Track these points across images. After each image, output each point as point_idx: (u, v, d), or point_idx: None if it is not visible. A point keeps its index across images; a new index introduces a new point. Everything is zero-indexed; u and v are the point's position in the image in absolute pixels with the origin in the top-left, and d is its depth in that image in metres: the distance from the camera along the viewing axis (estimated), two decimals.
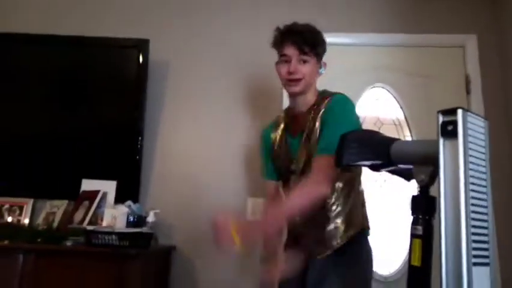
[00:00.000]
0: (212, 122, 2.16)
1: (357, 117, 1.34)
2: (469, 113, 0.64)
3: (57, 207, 2.00)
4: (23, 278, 1.56)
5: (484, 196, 0.64)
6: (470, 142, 0.64)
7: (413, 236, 0.70)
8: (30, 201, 2.03)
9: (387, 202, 1.99)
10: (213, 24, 2.27)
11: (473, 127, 0.65)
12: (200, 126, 2.16)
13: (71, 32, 2.17)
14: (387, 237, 1.90)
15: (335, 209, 1.30)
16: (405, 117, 2.12)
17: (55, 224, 1.91)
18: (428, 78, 2.12)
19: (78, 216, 1.85)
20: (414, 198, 0.73)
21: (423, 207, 0.71)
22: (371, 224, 1.38)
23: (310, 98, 1.38)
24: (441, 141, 0.65)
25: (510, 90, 2.01)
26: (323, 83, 1.43)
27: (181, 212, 2.03)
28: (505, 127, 2.02)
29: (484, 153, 0.66)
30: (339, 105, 1.31)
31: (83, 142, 2.07)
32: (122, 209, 1.77)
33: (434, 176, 0.71)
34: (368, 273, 1.34)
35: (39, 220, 1.97)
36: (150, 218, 1.83)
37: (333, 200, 1.31)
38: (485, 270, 0.61)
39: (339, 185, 1.32)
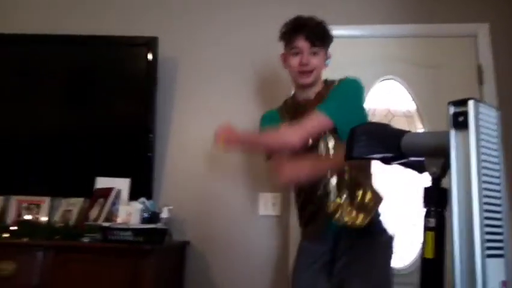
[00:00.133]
0: (222, 117, 2.15)
1: (362, 97, 1.41)
2: (480, 104, 0.64)
3: (74, 205, 2.04)
4: (43, 273, 1.60)
5: (497, 187, 0.64)
6: (482, 133, 0.63)
7: (426, 228, 0.70)
8: (48, 200, 2.08)
9: (399, 194, 1.98)
10: (220, 20, 2.28)
11: (484, 118, 0.64)
12: (210, 122, 2.15)
13: (80, 32, 2.20)
14: (400, 230, 1.89)
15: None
16: (417, 109, 2.09)
17: (72, 222, 1.95)
18: (440, 69, 2.09)
19: (93, 213, 1.89)
20: (426, 190, 0.73)
21: (436, 200, 0.71)
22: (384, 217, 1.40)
23: (317, 89, 1.44)
24: (452, 132, 0.65)
25: None
26: (332, 77, 1.46)
27: (194, 208, 2.05)
28: None
29: (496, 144, 0.65)
30: (347, 81, 1.39)
31: (96, 141, 2.10)
32: (137, 206, 1.80)
33: (445, 168, 0.71)
34: (390, 249, 1.36)
35: (57, 218, 2.01)
36: (164, 214, 1.86)
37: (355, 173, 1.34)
38: (500, 262, 0.60)
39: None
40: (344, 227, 1.29)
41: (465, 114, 0.64)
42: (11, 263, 1.60)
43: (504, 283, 0.59)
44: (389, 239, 1.36)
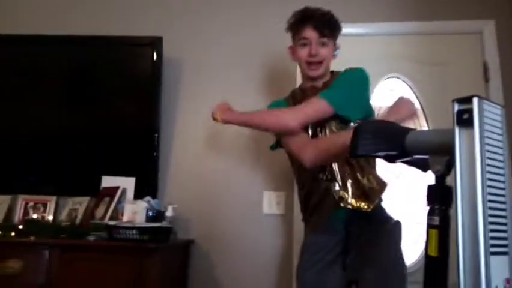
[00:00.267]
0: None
1: (367, 86, 1.39)
2: (484, 101, 0.64)
3: (79, 204, 2.06)
4: (49, 271, 1.62)
5: (501, 185, 0.63)
6: (487, 130, 0.63)
7: (430, 226, 0.70)
8: (54, 199, 2.10)
9: (403, 193, 1.97)
10: (225, 20, 2.28)
11: (489, 115, 0.64)
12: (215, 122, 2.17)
13: (85, 32, 2.21)
14: (404, 229, 1.89)
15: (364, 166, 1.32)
16: (422, 107, 2.08)
17: (78, 220, 1.97)
18: (444, 67, 2.08)
19: (99, 212, 1.90)
20: (430, 188, 0.73)
21: (440, 198, 0.71)
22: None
23: (325, 79, 1.43)
24: (456, 130, 0.65)
25: None
26: None
27: (198, 207, 2.06)
28: None
29: (501, 141, 0.65)
30: (351, 70, 1.38)
31: (102, 141, 2.12)
32: (142, 205, 1.81)
33: (450, 165, 0.71)
34: (399, 234, 1.35)
35: (63, 216, 2.03)
36: (169, 213, 1.87)
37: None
38: (504, 259, 0.60)
39: None
40: (352, 215, 1.28)
41: (469, 111, 0.63)
42: (17, 261, 1.62)
43: (508, 281, 0.59)
44: (397, 224, 1.35)
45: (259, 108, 2.11)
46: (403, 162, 0.82)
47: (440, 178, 0.72)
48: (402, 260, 1.31)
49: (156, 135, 2.09)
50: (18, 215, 2.05)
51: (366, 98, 1.42)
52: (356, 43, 2.07)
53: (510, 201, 0.63)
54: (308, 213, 1.43)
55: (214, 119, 1.46)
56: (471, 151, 0.62)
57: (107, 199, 1.93)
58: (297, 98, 1.48)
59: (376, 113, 1.55)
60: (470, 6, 2.11)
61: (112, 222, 1.70)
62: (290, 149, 1.37)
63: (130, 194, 1.95)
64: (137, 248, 1.60)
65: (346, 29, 1.51)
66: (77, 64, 2.21)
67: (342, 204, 1.28)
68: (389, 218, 1.36)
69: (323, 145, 1.29)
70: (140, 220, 1.74)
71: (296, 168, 1.46)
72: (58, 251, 1.64)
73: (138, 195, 1.92)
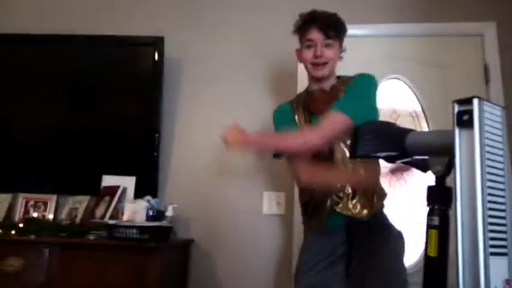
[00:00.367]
0: (227, 116, 2.17)
1: (377, 94, 1.39)
2: (485, 102, 0.64)
3: (80, 203, 2.06)
4: (50, 270, 1.62)
5: (501, 186, 0.64)
6: (487, 131, 0.63)
7: (430, 226, 0.70)
8: (54, 197, 2.10)
9: (404, 195, 1.97)
10: (226, 20, 2.28)
11: (489, 116, 0.64)
12: (216, 121, 2.18)
13: (86, 31, 2.22)
14: (404, 229, 1.89)
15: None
16: (422, 109, 2.08)
17: (78, 219, 1.98)
18: (445, 69, 2.08)
19: (99, 211, 1.91)
20: (430, 189, 0.73)
21: (440, 198, 0.71)
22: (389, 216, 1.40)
23: (332, 82, 1.43)
24: (457, 131, 0.65)
25: None
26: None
27: (198, 206, 2.06)
28: None
29: (501, 143, 0.65)
30: (364, 77, 1.38)
31: (102, 140, 2.12)
32: (142, 204, 1.81)
33: (450, 166, 0.71)
34: (401, 244, 1.36)
35: (63, 215, 2.04)
36: (169, 212, 1.87)
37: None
38: (503, 260, 0.60)
39: None
40: (351, 220, 1.29)
41: (470, 112, 0.64)
42: (18, 260, 1.63)
43: (508, 281, 0.59)
44: (399, 235, 1.35)
45: (260, 108, 2.13)
46: (403, 163, 0.83)
47: (440, 179, 0.73)
48: (404, 270, 1.32)
49: (157, 134, 2.09)
50: (18, 214, 2.06)
51: (376, 107, 1.41)
52: (358, 44, 2.06)
53: (510, 202, 0.63)
54: (308, 215, 1.43)
55: (227, 143, 1.33)
56: (471, 152, 0.62)
57: (107, 198, 1.93)
58: (303, 100, 1.47)
59: None
60: (472, 8, 2.12)
61: (112, 221, 1.70)
62: (292, 165, 1.41)
63: (130, 193, 1.96)
64: (138, 247, 1.60)
65: (348, 30, 1.50)
66: (78, 63, 2.22)
67: (338, 210, 1.30)
68: (391, 226, 1.36)
69: (320, 175, 1.32)
70: (140, 219, 1.75)
71: None
72: (58, 249, 1.64)
73: (138, 194, 1.93)
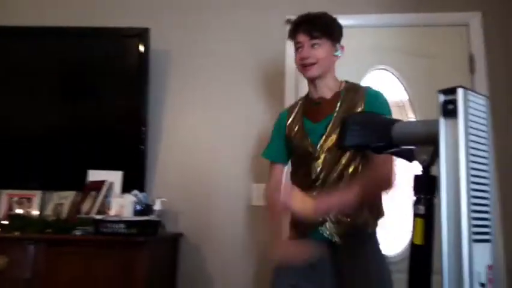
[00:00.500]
0: (215, 110, 2.16)
1: None
2: (469, 92, 0.64)
3: (65, 199, 2.03)
4: (35, 267, 1.60)
5: (485, 174, 0.64)
6: (471, 121, 0.64)
7: (416, 215, 0.71)
8: (39, 193, 2.06)
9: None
10: (213, 10, 2.25)
11: (473, 105, 0.65)
12: (203, 114, 2.17)
13: (70, 23, 2.17)
14: (392, 218, 1.91)
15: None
16: (409, 99, 2.10)
17: (64, 215, 1.95)
18: (431, 59, 2.09)
19: (86, 206, 1.88)
20: (416, 178, 0.74)
21: (425, 187, 0.72)
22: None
23: (331, 83, 1.41)
24: (442, 120, 0.65)
25: None
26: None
27: (187, 200, 2.05)
28: (509, 106, 2.00)
29: (485, 132, 0.66)
30: (385, 102, 1.37)
31: (88, 133, 2.09)
32: (129, 198, 1.79)
33: (435, 155, 0.72)
34: (387, 264, 1.34)
35: (48, 211, 2.00)
36: (157, 206, 1.86)
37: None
38: (486, 246, 0.61)
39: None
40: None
41: (454, 102, 0.64)
42: (2, 257, 1.60)
43: (490, 267, 0.60)
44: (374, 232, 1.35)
45: (248, 102, 2.12)
46: (390, 153, 0.83)
47: (426, 168, 0.73)
48: (387, 266, 1.33)
49: (144, 128, 2.06)
50: (2, 210, 2.01)
51: None
52: (345, 35, 2.02)
53: (493, 190, 0.64)
54: (292, 223, 1.44)
55: (293, 210, 1.21)
56: (455, 141, 0.63)
57: (93, 193, 1.91)
58: (302, 106, 1.47)
59: None
60: None
61: (98, 217, 1.68)
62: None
63: (117, 187, 1.93)
64: (125, 242, 1.58)
65: (341, 28, 1.49)
66: (61, 56, 2.16)
67: (320, 228, 1.30)
68: (369, 227, 1.34)
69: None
70: (127, 214, 1.73)
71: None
72: (44, 246, 1.62)
73: (125, 188, 1.91)
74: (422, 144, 0.74)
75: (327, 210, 1.24)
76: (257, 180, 2.05)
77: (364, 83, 2.09)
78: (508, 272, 1.82)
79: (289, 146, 1.45)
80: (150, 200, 1.92)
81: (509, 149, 1.96)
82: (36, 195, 2.06)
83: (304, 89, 2.04)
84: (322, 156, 1.34)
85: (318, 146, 1.35)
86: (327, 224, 1.30)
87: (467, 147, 0.62)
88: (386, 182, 1.27)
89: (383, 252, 1.35)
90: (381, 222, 1.37)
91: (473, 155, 0.63)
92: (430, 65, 2.08)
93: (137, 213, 1.76)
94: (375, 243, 1.34)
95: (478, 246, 0.59)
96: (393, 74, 2.13)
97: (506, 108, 1.99)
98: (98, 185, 1.92)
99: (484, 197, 0.62)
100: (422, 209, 0.70)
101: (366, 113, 1.26)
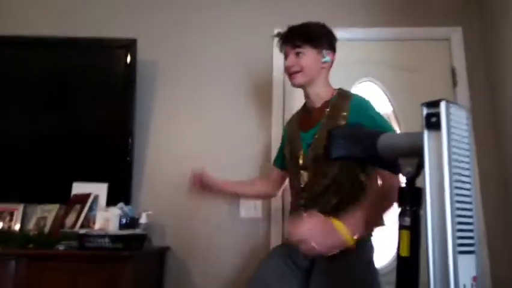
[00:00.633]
0: (203, 121, 2.15)
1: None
2: (451, 105, 0.66)
3: (48, 212, 1.98)
4: (16, 283, 1.54)
5: (468, 186, 0.65)
6: (454, 133, 0.65)
7: (401, 227, 0.72)
8: (21, 207, 2.01)
9: None
10: (201, 22, 2.27)
11: (456, 118, 0.66)
12: (191, 126, 2.16)
13: (57, 34, 2.15)
14: (379, 230, 1.92)
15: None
16: (394, 111, 2.14)
17: (47, 229, 1.89)
18: (415, 72, 2.14)
19: (70, 220, 1.84)
20: (401, 190, 0.75)
21: (410, 199, 0.72)
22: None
23: (322, 91, 1.42)
24: (425, 133, 0.67)
25: (496, 81, 2.04)
26: None
27: (174, 212, 2.02)
28: (491, 118, 2.05)
29: (467, 144, 0.67)
30: (371, 109, 1.33)
31: (72, 145, 2.05)
32: (115, 212, 1.76)
33: (420, 167, 0.73)
34: (369, 275, 1.28)
35: (31, 225, 1.95)
36: (143, 220, 1.83)
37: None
38: (471, 258, 0.62)
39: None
40: None
41: (437, 115, 0.65)
42: None
43: (475, 278, 0.60)
44: (366, 242, 1.32)
45: (234, 113, 2.12)
46: (375, 164, 0.84)
47: (411, 180, 0.74)
48: (371, 278, 1.26)
49: (130, 139, 2.04)
50: None
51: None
52: None
53: (476, 201, 0.65)
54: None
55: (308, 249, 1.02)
56: (439, 153, 0.64)
57: (78, 206, 1.86)
58: (298, 118, 1.50)
59: None
60: (439, 13, 2.20)
61: (82, 231, 1.64)
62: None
63: (102, 200, 1.89)
64: (110, 257, 1.54)
65: (327, 35, 1.52)
66: (48, 66, 2.14)
67: None
68: (366, 251, 1.31)
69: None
70: (113, 228, 1.69)
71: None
72: (26, 261, 1.56)
73: (111, 201, 1.87)
74: (407, 156, 0.75)
75: (356, 233, 1.10)
76: None
77: None
78: (493, 282, 1.85)
79: (287, 155, 1.50)
80: (136, 213, 1.89)
81: (490, 159, 2.00)
82: (18, 209, 2.00)
83: (291, 98, 2.09)
84: (309, 166, 1.35)
85: (306, 155, 1.36)
86: None
87: (451, 159, 0.63)
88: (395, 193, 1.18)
89: (372, 263, 1.30)
90: (377, 231, 1.34)
91: (457, 167, 0.64)
92: (414, 78, 2.13)
93: (122, 226, 1.73)
94: (364, 252, 1.28)
95: (463, 258, 0.60)
96: (378, 86, 2.17)
97: (487, 119, 2.05)
98: (83, 198, 1.88)
99: (467, 208, 0.63)
100: (407, 220, 0.71)
101: (353, 125, 1.27)
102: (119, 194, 1.94)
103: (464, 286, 0.59)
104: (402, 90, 2.13)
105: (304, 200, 1.36)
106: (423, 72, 2.14)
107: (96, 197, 1.89)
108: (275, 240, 1.94)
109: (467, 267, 0.60)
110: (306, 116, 1.47)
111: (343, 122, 1.30)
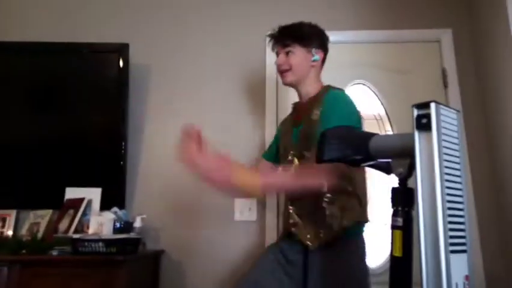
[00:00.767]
0: (196, 123, 2.14)
1: (357, 112, 1.30)
2: (441, 106, 0.67)
3: (42, 217, 1.96)
4: None
5: (459, 186, 0.66)
6: (444, 134, 0.66)
7: (394, 227, 0.72)
8: (14, 213, 1.99)
9: (372, 196, 2.02)
10: (194, 24, 2.27)
11: (446, 119, 0.67)
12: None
13: (49, 38, 2.15)
14: (373, 230, 1.93)
15: (330, 197, 1.27)
16: (386, 112, 2.15)
17: (40, 235, 1.88)
18: (406, 73, 2.17)
19: (63, 225, 1.82)
20: (393, 190, 0.75)
21: (402, 199, 0.73)
22: (370, 217, 1.35)
23: (311, 89, 1.43)
24: (416, 134, 0.67)
25: (486, 82, 2.07)
26: None
27: (168, 216, 2.02)
28: (481, 118, 2.08)
29: (457, 144, 0.68)
30: (338, 101, 1.30)
31: (65, 150, 2.03)
32: (108, 216, 1.75)
33: (411, 168, 0.73)
34: (360, 272, 1.27)
35: (23, 231, 1.93)
36: (137, 224, 1.82)
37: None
38: (463, 257, 0.63)
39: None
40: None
41: (428, 116, 0.66)
42: None
43: (467, 277, 0.61)
44: (357, 242, 1.31)
45: (227, 116, 2.12)
46: (368, 166, 0.85)
47: (403, 180, 0.75)
48: (356, 279, 1.25)
49: (123, 143, 2.03)
50: None
51: (357, 119, 1.30)
52: None
53: (467, 200, 0.66)
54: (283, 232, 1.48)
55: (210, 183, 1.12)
56: (430, 154, 0.65)
57: (71, 211, 1.85)
58: (288, 116, 1.56)
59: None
60: (429, 15, 2.22)
61: (76, 235, 1.63)
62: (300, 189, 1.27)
63: (96, 205, 1.88)
64: (104, 261, 1.54)
65: (317, 35, 1.53)
66: (40, 71, 2.12)
67: (293, 230, 1.32)
68: (357, 249, 1.30)
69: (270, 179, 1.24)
70: (107, 232, 1.69)
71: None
72: (18, 267, 1.55)
73: (105, 206, 1.86)
74: (399, 157, 0.76)
75: (271, 189, 1.26)
76: (240, 195, 2.03)
77: None
78: (487, 281, 1.86)
79: (280, 151, 1.53)
80: (130, 217, 1.88)
81: (482, 160, 2.02)
82: (11, 215, 1.98)
83: (285, 98, 2.09)
84: (295, 161, 1.37)
85: (294, 150, 1.38)
86: (298, 227, 1.31)
87: (441, 159, 0.64)
88: (324, 181, 1.15)
89: (364, 259, 1.29)
90: (364, 228, 1.33)
91: (448, 167, 0.65)
92: (405, 79, 2.15)
93: (116, 231, 1.72)
94: (349, 252, 1.27)
95: (455, 257, 0.60)
96: (370, 88, 2.19)
97: (478, 119, 2.07)
98: (76, 202, 1.87)
99: (459, 208, 0.64)
100: (400, 221, 0.72)
101: (345, 127, 1.27)
102: (113, 198, 1.93)
103: (457, 285, 0.60)
104: (394, 92, 2.15)
105: (289, 195, 1.40)
106: (414, 74, 2.16)
107: (89, 202, 1.87)
108: (270, 243, 1.93)
109: (459, 266, 0.61)
110: (296, 113, 1.51)
111: (316, 117, 1.30)
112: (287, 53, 1.41)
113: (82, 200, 1.87)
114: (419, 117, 0.67)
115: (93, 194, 1.89)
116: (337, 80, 2.08)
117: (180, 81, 2.21)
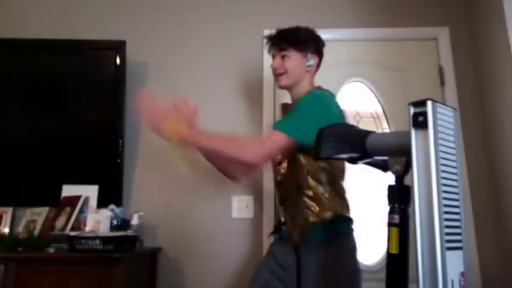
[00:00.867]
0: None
1: (325, 107, 1.30)
2: (437, 104, 0.67)
3: (38, 215, 1.95)
4: (6, 287, 1.52)
5: (455, 183, 0.67)
6: (440, 132, 0.66)
7: (390, 224, 0.73)
8: (10, 210, 1.98)
9: (369, 193, 2.03)
10: (191, 23, 2.27)
11: (442, 117, 0.67)
12: None
13: (46, 35, 2.14)
14: (370, 228, 1.95)
15: (309, 193, 1.29)
16: (383, 110, 2.16)
17: (36, 232, 1.87)
18: (403, 71, 2.17)
19: (60, 222, 1.82)
20: (390, 188, 0.76)
21: (399, 197, 0.74)
22: (353, 215, 1.35)
23: (302, 91, 1.42)
24: (413, 132, 0.68)
25: (483, 80, 2.08)
26: None
27: (165, 213, 2.02)
28: (478, 117, 2.09)
29: (453, 142, 0.68)
30: (310, 97, 1.33)
31: (62, 147, 2.03)
32: (106, 213, 1.75)
33: (408, 166, 0.74)
34: (351, 268, 1.28)
35: (20, 228, 1.93)
36: (134, 221, 1.82)
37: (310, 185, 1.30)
38: (459, 254, 0.63)
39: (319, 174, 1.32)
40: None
41: (424, 114, 0.66)
42: None
43: (463, 274, 0.62)
44: (347, 238, 1.31)
45: (224, 114, 2.12)
46: (365, 163, 0.85)
47: (399, 178, 0.75)
48: (352, 268, 1.27)
49: (120, 140, 2.03)
50: None
51: (331, 118, 1.25)
52: None
53: (463, 198, 0.67)
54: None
55: (165, 135, 1.27)
56: (426, 151, 0.65)
57: (68, 209, 1.85)
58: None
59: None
60: (426, 14, 2.23)
61: (73, 233, 1.63)
62: (229, 157, 1.34)
63: (93, 202, 1.88)
64: (101, 259, 1.53)
65: (313, 39, 1.53)
66: (36, 68, 2.11)
67: (283, 227, 1.35)
68: (346, 248, 1.30)
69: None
70: (104, 229, 1.68)
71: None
72: (15, 265, 1.54)
73: (102, 203, 1.86)
74: (395, 154, 0.76)
75: (193, 143, 1.32)
76: (237, 193, 2.04)
77: (340, 94, 2.15)
78: (483, 277, 1.88)
79: None
80: (127, 214, 1.88)
81: (479, 158, 2.03)
82: (8, 212, 1.97)
83: (280, 97, 2.09)
84: (284, 162, 1.39)
85: None
86: (287, 225, 1.34)
87: (438, 157, 0.64)
88: (248, 155, 1.23)
89: (351, 259, 1.28)
90: (353, 226, 1.33)
91: (444, 165, 0.65)
92: (402, 77, 2.16)
93: (113, 228, 1.72)
94: (339, 249, 1.27)
95: (451, 254, 0.61)
96: (367, 86, 2.19)
97: (474, 118, 2.08)
98: (73, 200, 1.86)
99: (455, 205, 0.64)
100: (396, 218, 0.72)
101: (342, 124, 1.27)
102: (110, 195, 1.93)
103: (452, 281, 0.61)
104: (391, 90, 2.16)
105: (279, 195, 1.43)
106: (411, 72, 2.17)
107: (86, 199, 1.87)
108: (267, 241, 1.94)
109: (455, 263, 0.61)
110: (284, 114, 1.53)
111: None
112: (283, 57, 1.41)
113: (78, 197, 1.86)
114: (415, 115, 0.68)
115: (90, 192, 1.89)
116: (334, 77, 2.11)
117: (178, 79, 2.20)
